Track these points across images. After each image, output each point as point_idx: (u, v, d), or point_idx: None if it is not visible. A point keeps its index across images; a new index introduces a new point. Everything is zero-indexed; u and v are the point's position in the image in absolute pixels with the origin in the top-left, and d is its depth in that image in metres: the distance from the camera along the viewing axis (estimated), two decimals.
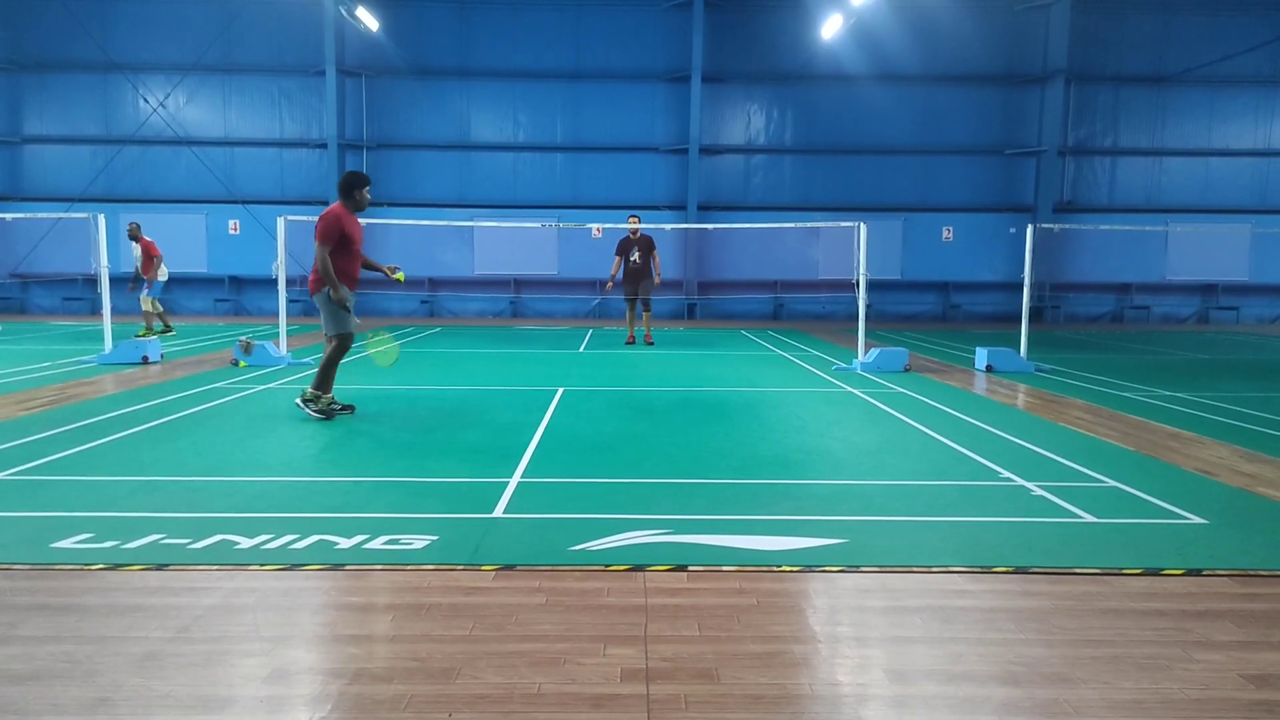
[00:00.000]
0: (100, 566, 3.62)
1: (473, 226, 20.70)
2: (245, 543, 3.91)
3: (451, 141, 21.91)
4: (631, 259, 13.08)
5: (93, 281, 13.71)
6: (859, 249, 11.03)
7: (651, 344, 13.93)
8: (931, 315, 22.47)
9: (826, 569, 3.69)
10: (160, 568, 3.62)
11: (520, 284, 22.18)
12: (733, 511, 4.52)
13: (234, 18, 20.94)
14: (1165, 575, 3.66)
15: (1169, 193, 22.23)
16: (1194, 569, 3.72)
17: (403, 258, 21.98)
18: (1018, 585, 3.54)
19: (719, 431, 6.74)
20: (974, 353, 11.63)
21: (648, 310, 13.69)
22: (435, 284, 21.98)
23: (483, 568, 3.66)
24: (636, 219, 13.24)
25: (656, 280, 13.43)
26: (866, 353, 11.07)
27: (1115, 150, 22.21)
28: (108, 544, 3.87)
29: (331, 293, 6.80)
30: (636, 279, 13.20)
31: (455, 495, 4.83)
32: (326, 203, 21.26)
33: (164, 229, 21.60)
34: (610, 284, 13.49)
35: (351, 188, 6.99)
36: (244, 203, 21.59)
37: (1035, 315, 17.01)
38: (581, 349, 13.60)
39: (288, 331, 11.13)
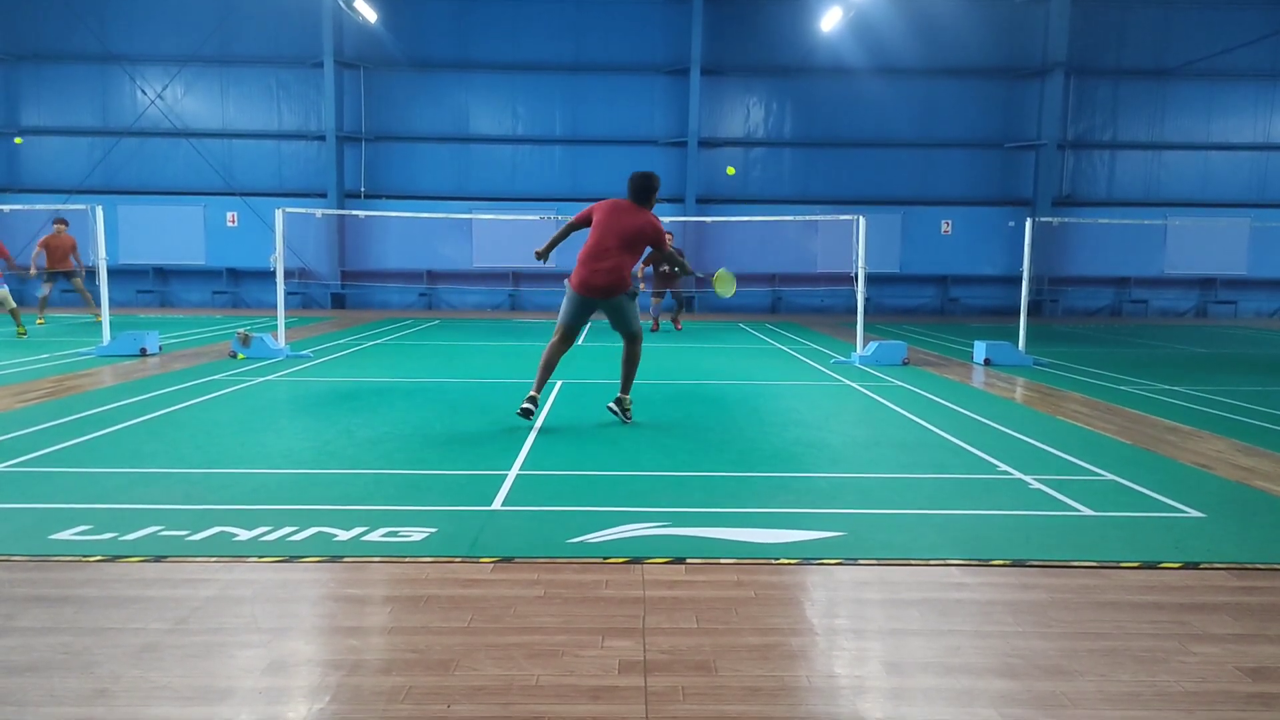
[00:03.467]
0: (98, 558, 3.62)
1: (471, 219, 20.66)
2: (244, 535, 3.91)
3: (450, 134, 21.85)
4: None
5: (91, 273, 13.71)
6: (857, 242, 11.02)
7: (679, 329, 15.96)
8: (930, 309, 22.47)
9: (824, 561, 3.69)
10: (159, 559, 3.62)
11: (519, 277, 22.15)
12: (731, 504, 4.52)
13: (232, 9, 20.86)
14: (1162, 568, 3.66)
15: (1168, 186, 22.21)
16: (1191, 562, 3.73)
17: (401, 250, 22.01)
18: (1015, 578, 3.55)
19: (717, 425, 6.75)
20: (972, 346, 11.64)
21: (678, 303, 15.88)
22: (434, 277, 21.95)
23: (481, 560, 3.67)
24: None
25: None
26: (865, 346, 11.07)
27: (1114, 144, 22.18)
28: (106, 536, 3.87)
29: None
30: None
31: (454, 488, 4.83)
32: (325, 195, 21.30)
33: (162, 221, 21.68)
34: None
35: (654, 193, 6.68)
36: (242, 195, 21.54)
37: (1034, 309, 17.03)
38: (579, 342, 13.59)
39: (286, 324, 11.12)
